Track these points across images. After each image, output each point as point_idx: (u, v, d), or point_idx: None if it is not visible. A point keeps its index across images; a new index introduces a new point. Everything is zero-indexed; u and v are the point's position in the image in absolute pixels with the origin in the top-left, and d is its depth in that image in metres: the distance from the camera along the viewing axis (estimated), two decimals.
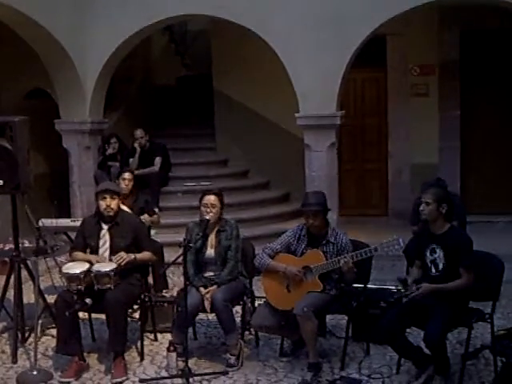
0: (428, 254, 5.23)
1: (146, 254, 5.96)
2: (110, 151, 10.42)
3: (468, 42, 10.92)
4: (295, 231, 5.77)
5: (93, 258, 5.84)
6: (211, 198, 5.89)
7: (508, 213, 10.96)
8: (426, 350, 5.10)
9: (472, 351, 5.37)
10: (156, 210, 8.08)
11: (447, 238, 5.14)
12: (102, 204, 5.87)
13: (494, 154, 11.15)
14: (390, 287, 6.28)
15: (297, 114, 9.07)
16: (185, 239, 5.48)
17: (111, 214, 5.89)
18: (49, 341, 6.36)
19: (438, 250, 5.17)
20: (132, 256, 5.79)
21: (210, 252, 5.94)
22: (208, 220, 5.82)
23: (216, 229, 5.96)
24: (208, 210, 5.85)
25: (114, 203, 5.89)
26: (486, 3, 8.87)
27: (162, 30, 13.10)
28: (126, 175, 7.54)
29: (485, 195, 11.07)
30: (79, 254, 5.96)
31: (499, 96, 11.09)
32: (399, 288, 6.13)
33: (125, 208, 6.59)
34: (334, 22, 8.80)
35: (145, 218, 7.27)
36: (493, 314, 5.31)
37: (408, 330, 5.38)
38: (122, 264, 5.69)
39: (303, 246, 5.68)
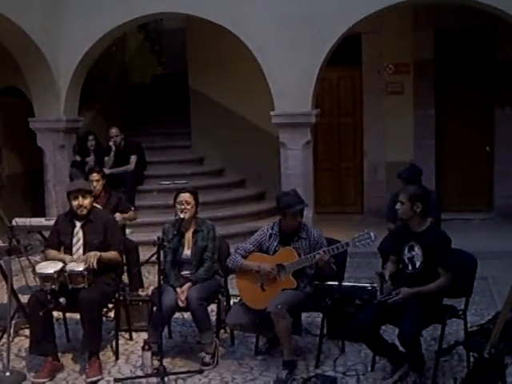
0: (406, 250, 5.23)
1: (111, 254, 5.85)
2: (89, 158, 10.38)
3: (442, 41, 11.00)
4: (267, 230, 5.74)
5: (67, 258, 5.78)
6: (185, 196, 5.89)
7: (482, 210, 11.08)
8: (401, 347, 5.12)
9: (446, 347, 5.40)
10: (132, 208, 8.04)
11: (427, 237, 5.16)
12: (75, 204, 5.83)
13: (468, 151, 11.24)
14: (365, 285, 6.30)
15: (272, 112, 9.08)
16: (159, 237, 5.46)
17: (84, 212, 5.85)
18: (22, 341, 6.29)
19: (416, 248, 5.18)
20: (98, 253, 5.70)
21: (187, 252, 5.93)
22: (182, 219, 5.80)
23: (192, 229, 5.95)
24: (182, 207, 5.84)
25: (86, 202, 5.85)
26: (460, 3, 8.92)
27: (137, 28, 13.07)
28: (94, 176, 7.47)
29: (459, 193, 11.17)
30: (52, 252, 5.91)
31: (473, 94, 11.18)
32: (374, 285, 6.17)
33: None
34: (309, 20, 8.81)
35: (117, 216, 7.19)
36: (466, 311, 5.35)
37: (383, 328, 5.40)
38: (94, 265, 5.62)
39: (275, 244, 5.65)
